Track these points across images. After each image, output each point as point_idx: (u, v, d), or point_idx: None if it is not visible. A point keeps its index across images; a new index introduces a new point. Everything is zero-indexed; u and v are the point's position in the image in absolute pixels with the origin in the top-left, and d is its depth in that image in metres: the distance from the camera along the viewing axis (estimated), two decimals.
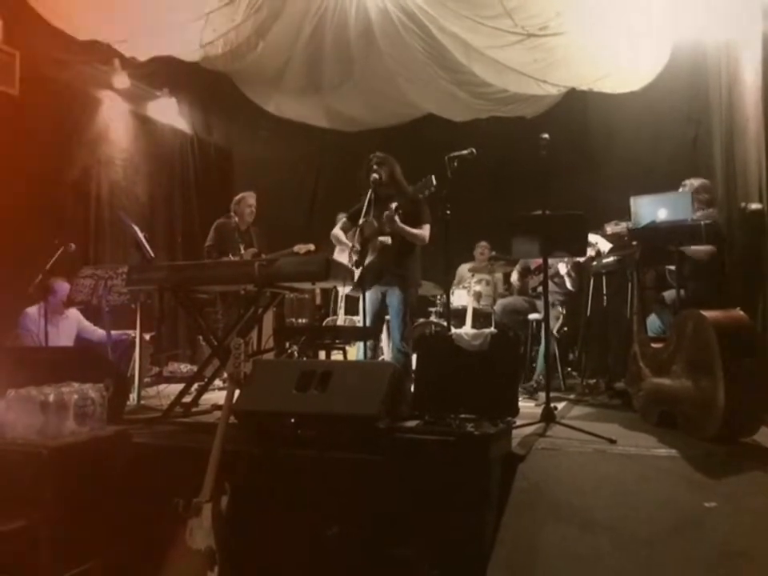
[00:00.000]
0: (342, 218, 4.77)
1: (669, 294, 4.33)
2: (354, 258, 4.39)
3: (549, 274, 4.13)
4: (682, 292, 4.00)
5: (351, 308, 6.09)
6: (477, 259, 7.16)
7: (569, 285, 5.38)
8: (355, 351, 5.15)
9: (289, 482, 2.83)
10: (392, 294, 4.50)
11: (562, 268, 5.37)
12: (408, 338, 4.52)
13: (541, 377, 4.99)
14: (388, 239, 4.38)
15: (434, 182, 4.09)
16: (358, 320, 5.10)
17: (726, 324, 2.92)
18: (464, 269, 7.10)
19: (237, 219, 5.97)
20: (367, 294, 4.48)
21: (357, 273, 4.30)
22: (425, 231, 4.44)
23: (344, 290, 5.04)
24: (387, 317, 4.74)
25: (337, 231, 4.69)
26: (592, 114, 6.62)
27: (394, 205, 4.29)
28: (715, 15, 4.65)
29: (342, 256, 4.75)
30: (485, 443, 2.70)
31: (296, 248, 4.80)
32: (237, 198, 6.08)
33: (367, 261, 4.37)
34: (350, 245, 4.52)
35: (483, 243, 7.15)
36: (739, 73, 4.41)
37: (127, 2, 5.14)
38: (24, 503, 2.69)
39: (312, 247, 4.21)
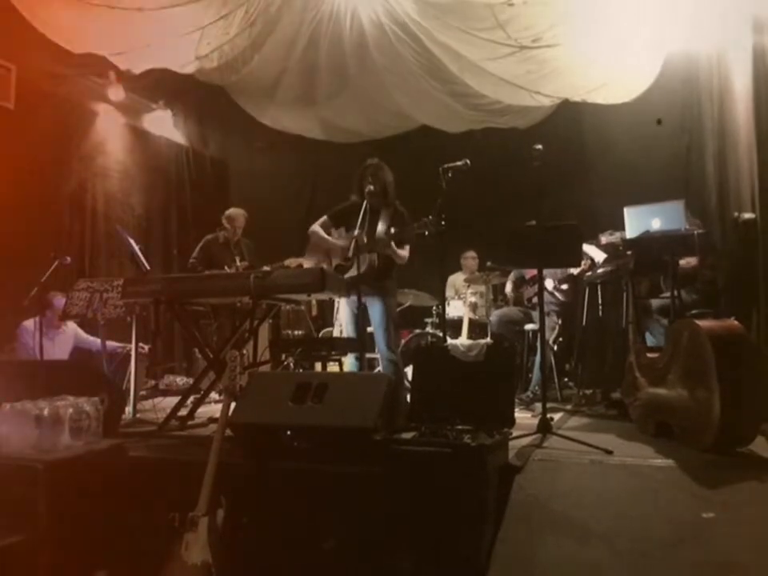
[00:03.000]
0: (323, 217, 4.69)
1: (662, 304, 4.35)
2: (335, 263, 4.40)
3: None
4: (677, 302, 4.01)
5: None
6: (466, 268, 7.14)
7: (560, 297, 5.40)
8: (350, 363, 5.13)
9: (285, 495, 2.82)
10: (372, 304, 4.50)
11: (549, 284, 5.37)
12: (394, 347, 4.53)
13: (537, 387, 4.98)
14: (375, 256, 4.43)
15: (431, 227, 4.12)
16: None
17: (721, 333, 2.92)
18: (454, 279, 7.07)
19: (227, 232, 5.97)
20: (348, 305, 4.55)
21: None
22: (406, 252, 4.50)
23: (336, 299, 4.99)
24: (370, 329, 4.74)
25: (317, 228, 4.61)
26: (585, 125, 6.66)
27: (392, 230, 4.38)
28: (706, 27, 4.69)
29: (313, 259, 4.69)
30: (481, 454, 2.69)
31: (287, 262, 4.77)
32: (228, 213, 6.09)
33: (351, 273, 4.34)
34: (329, 239, 4.50)
35: (471, 253, 7.14)
36: (730, 84, 4.45)
37: (122, 15, 5.15)
38: (19, 518, 2.68)
39: (303, 262, 4.20)
